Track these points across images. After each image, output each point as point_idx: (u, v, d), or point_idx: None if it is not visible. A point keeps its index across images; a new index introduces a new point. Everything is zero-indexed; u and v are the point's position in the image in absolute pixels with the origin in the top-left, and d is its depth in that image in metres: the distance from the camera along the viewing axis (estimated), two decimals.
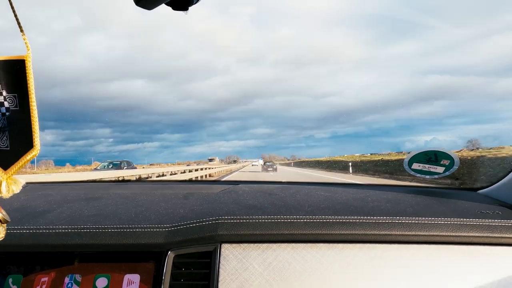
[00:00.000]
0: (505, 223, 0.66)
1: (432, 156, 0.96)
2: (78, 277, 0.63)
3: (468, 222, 0.66)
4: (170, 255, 0.63)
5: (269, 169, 27.40)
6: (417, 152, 0.97)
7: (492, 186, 0.91)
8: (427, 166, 0.97)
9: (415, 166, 0.98)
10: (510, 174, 0.84)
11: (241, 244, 0.65)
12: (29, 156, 0.41)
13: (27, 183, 1.12)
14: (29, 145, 0.41)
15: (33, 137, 0.41)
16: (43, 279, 0.63)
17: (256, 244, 0.65)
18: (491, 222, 0.66)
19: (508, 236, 0.63)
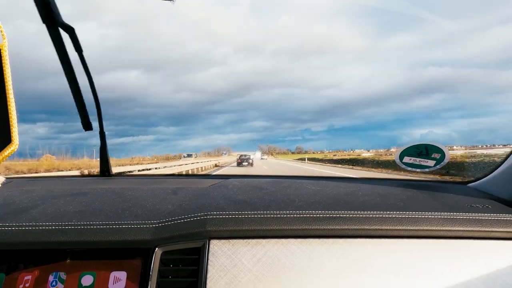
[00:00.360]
0: (494, 217, 0.66)
1: (423, 150, 0.96)
2: (62, 275, 0.62)
3: (458, 216, 0.66)
4: (158, 251, 0.62)
5: (244, 163, 23.75)
6: (408, 146, 0.97)
7: (481, 180, 0.92)
8: (418, 159, 0.97)
9: (406, 159, 0.98)
10: (499, 168, 0.85)
11: (230, 240, 0.64)
12: (7, 151, 0.39)
13: (10, 178, 1.09)
14: (7, 140, 0.39)
15: (11, 131, 0.39)
16: (26, 277, 0.61)
17: (245, 240, 0.64)
18: (481, 216, 0.66)
19: (497, 230, 0.64)
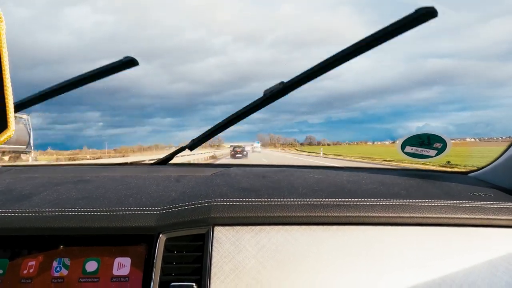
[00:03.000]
0: (497, 205, 0.66)
1: (425, 139, 0.96)
2: (66, 261, 0.62)
3: (461, 204, 0.67)
4: (162, 238, 0.62)
5: (237, 155, 22.09)
6: (410, 135, 0.97)
7: (482, 170, 0.92)
8: (419, 149, 0.97)
9: (408, 149, 0.98)
10: (500, 158, 0.85)
11: (234, 227, 0.64)
12: (3, 137, 0.38)
13: (10, 166, 1.08)
14: (3, 126, 0.38)
15: (8, 116, 0.38)
16: (30, 263, 0.61)
17: (249, 227, 0.64)
18: (484, 204, 0.67)
19: (500, 218, 0.64)
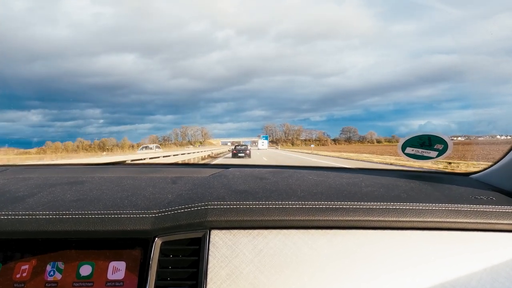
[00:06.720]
0: (499, 209, 0.65)
1: (426, 140, 0.95)
2: (60, 265, 0.61)
3: (462, 208, 0.65)
4: (157, 241, 0.61)
5: (239, 154, 19.98)
6: (411, 136, 0.96)
7: (484, 171, 0.91)
8: (420, 150, 0.96)
9: (408, 150, 0.97)
10: (502, 160, 0.84)
11: (231, 231, 0.63)
12: None
13: (6, 165, 1.07)
14: None
15: None
16: (23, 267, 0.60)
17: (246, 231, 0.63)
18: (486, 208, 0.65)
19: (502, 222, 0.63)
